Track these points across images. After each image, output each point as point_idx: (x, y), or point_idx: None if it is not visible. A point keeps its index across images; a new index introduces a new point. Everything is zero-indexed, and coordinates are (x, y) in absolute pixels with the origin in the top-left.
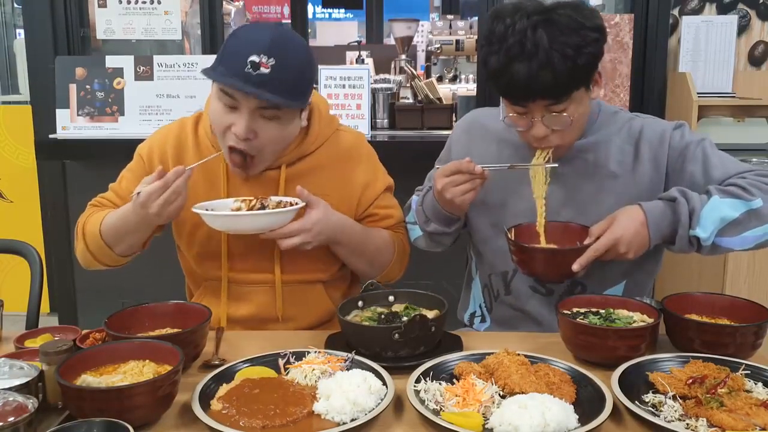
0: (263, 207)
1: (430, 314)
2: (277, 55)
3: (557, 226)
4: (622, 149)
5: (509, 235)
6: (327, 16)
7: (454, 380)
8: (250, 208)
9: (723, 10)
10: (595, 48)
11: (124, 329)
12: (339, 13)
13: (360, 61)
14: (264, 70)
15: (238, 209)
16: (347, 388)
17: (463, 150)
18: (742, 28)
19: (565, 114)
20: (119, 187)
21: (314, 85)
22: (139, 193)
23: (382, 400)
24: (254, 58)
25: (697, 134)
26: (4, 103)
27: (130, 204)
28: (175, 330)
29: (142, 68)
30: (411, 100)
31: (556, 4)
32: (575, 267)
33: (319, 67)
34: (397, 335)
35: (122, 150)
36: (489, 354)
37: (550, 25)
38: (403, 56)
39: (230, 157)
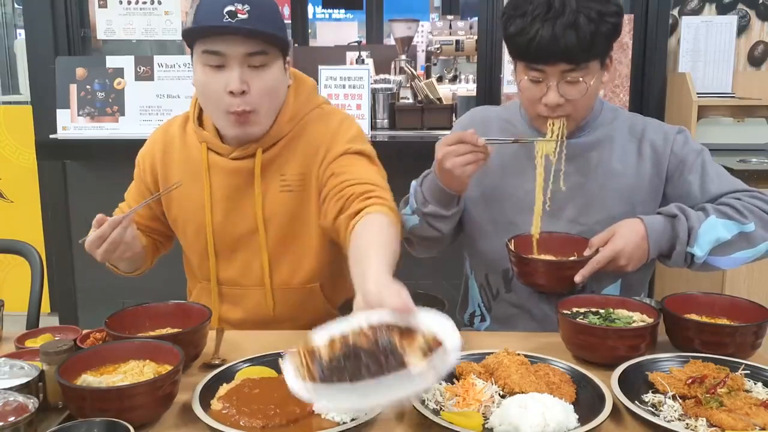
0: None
1: None
2: (250, 0)
3: (556, 237)
4: (624, 147)
5: (510, 246)
6: (327, 16)
7: (454, 380)
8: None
9: (723, 10)
10: (616, 20)
11: (124, 329)
12: (339, 13)
13: (360, 61)
14: (242, 16)
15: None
16: None
17: None
18: (742, 29)
19: (581, 80)
20: (128, 197)
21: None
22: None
23: None
24: (230, 7)
25: (697, 144)
26: (4, 103)
27: None
28: (175, 330)
29: (142, 68)
30: (411, 101)
31: None
32: (578, 279)
33: (319, 67)
34: None
35: (122, 150)
36: (489, 354)
37: None
38: (403, 56)
39: (231, 117)
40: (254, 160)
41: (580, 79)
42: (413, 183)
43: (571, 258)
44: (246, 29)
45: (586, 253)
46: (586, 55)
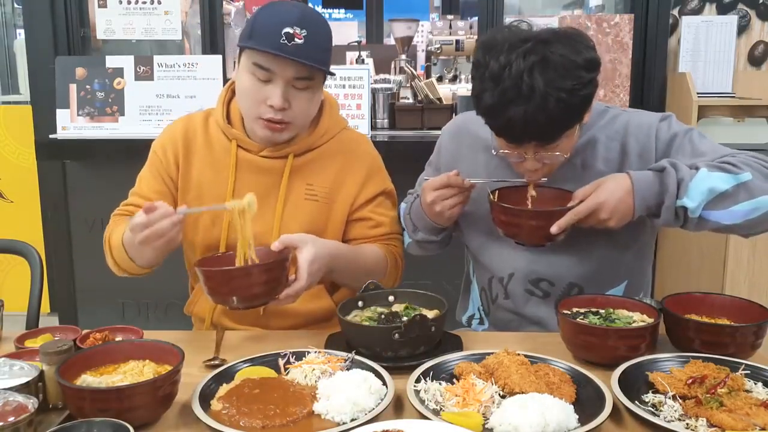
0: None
1: (430, 314)
2: (308, 26)
3: (544, 192)
4: (608, 147)
5: (491, 197)
6: (327, 16)
7: (454, 380)
8: None
9: (723, 10)
10: (590, 89)
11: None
12: (339, 13)
13: (360, 61)
14: (298, 40)
15: None
16: (347, 388)
17: (451, 157)
18: (742, 28)
19: (557, 153)
20: (140, 190)
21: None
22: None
23: (382, 400)
24: (288, 30)
25: (683, 125)
26: (4, 103)
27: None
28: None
29: (142, 68)
30: (411, 100)
31: (550, 35)
32: (554, 229)
33: None
34: (397, 335)
35: (122, 150)
36: (489, 354)
37: (545, 67)
38: (403, 56)
39: (265, 124)
40: (284, 162)
41: (557, 152)
42: (402, 206)
43: (552, 207)
44: (300, 62)
45: (570, 204)
46: (560, 132)
